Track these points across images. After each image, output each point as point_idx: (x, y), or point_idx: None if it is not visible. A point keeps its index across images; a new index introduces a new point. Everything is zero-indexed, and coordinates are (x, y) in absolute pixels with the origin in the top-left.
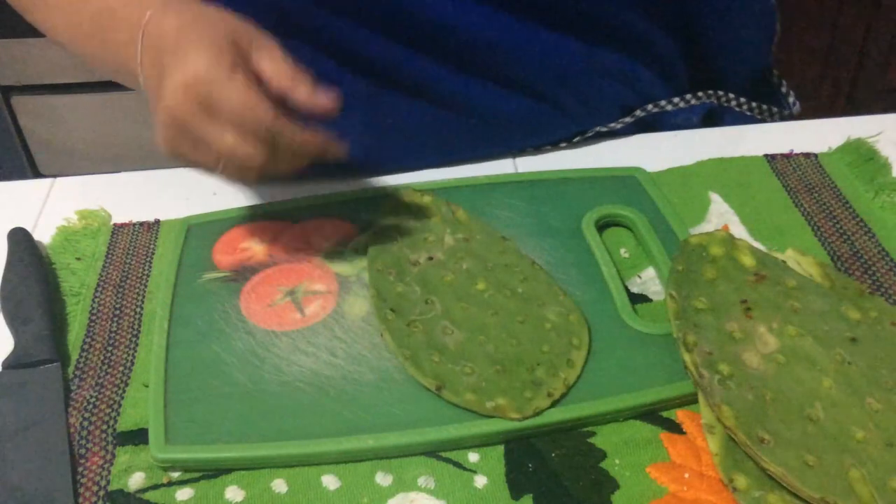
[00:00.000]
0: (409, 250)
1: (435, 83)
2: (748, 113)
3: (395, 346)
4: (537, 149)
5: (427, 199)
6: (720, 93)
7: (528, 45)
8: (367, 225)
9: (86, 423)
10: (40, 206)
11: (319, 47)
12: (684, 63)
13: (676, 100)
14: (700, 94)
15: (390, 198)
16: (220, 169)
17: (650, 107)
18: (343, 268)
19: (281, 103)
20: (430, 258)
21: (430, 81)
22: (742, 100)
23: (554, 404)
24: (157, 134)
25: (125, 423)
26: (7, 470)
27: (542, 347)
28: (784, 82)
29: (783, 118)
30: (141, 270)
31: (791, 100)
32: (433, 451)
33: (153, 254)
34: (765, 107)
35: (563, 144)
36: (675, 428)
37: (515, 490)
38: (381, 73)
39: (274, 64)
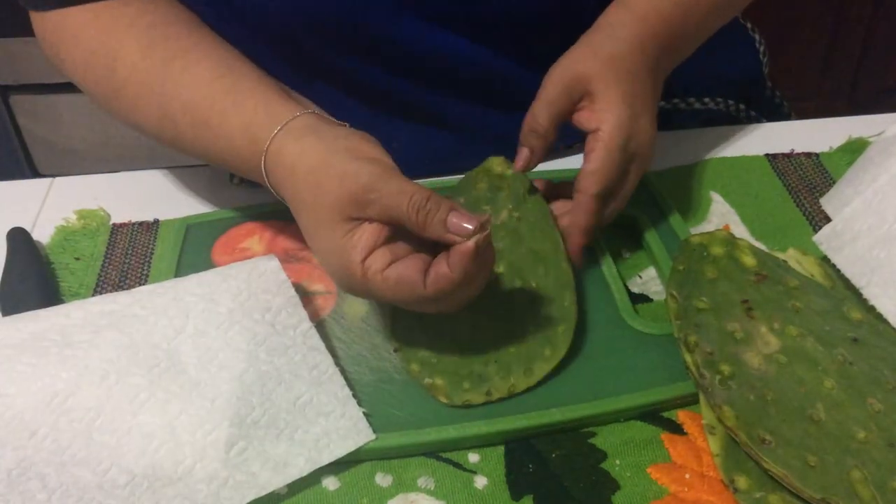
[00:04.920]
0: None
1: (426, 105)
2: (744, 121)
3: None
4: None
5: (509, 172)
6: (719, 99)
7: (511, 73)
8: None
9: None
10: (39, 206)
11: (329, 81)
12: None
13: (677, 100)
14: (707, 99)
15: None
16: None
17: None
18: None
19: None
20: None
21: (421, 104)
22: (741, 106)
23: (488, 404)
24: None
25: None
26: None
27: (510, 347)
28: (778, 94)
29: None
30: (140, 270)
31: (786, 111)
32: (433, 452)
33: (152, 254)
34: (763, 120)
35: (564, 147)
36: (675, 428)
37: (516, 491)
38: (379, 99)
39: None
